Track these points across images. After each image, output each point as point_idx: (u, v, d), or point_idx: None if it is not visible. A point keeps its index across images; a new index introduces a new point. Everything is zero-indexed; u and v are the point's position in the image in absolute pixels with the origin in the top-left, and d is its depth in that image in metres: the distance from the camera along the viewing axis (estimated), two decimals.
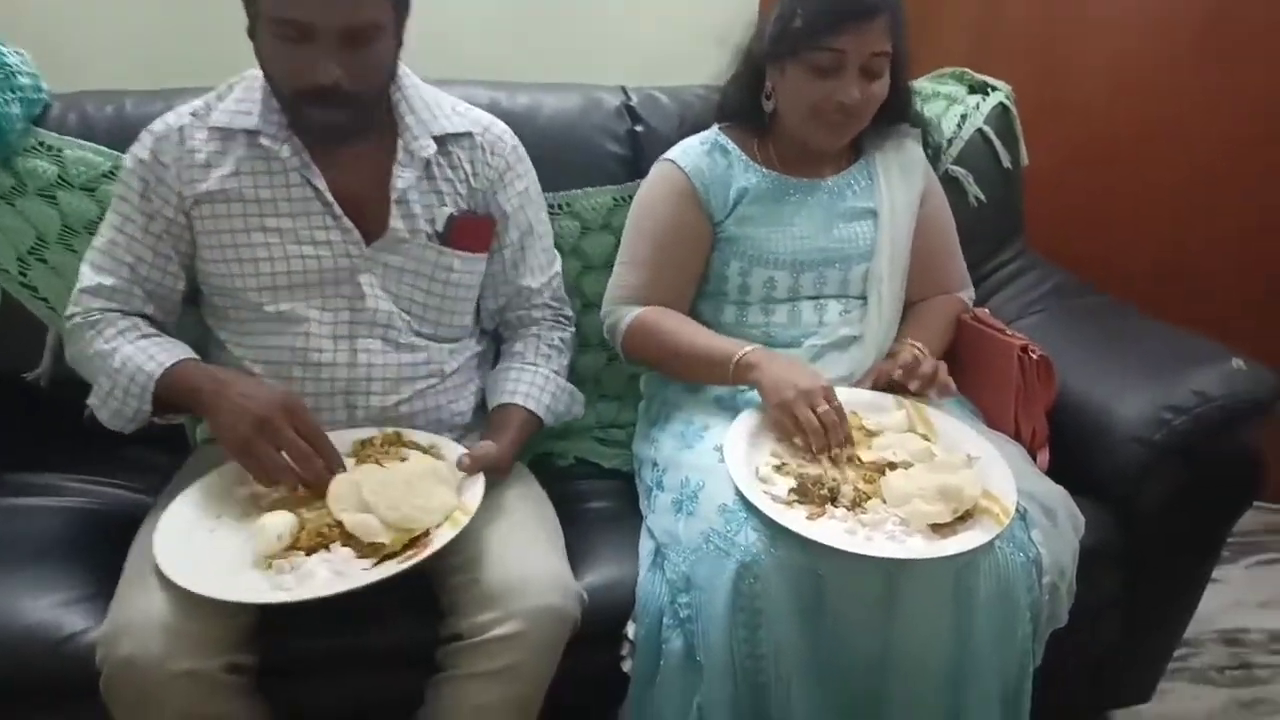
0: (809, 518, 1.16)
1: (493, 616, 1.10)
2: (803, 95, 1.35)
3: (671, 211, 1.43)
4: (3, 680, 1.13)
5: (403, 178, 1.29)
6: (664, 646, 1.19)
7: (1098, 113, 2.02)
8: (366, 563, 1.08)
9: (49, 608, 1.15)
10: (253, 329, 1.29)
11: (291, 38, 1.15)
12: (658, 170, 1.47)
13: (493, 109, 1.45)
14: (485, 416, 1.38)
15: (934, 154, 1.61)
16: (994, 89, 1.78)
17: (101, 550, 1.24)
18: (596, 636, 1.22)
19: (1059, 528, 1.24)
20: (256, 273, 1.27)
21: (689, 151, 1.46)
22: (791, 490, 1.20)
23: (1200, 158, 1.99)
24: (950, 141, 1.72)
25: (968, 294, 1.57)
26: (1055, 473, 1.33)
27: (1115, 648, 1.42)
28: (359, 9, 1.15)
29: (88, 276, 1.27)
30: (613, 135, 1.66)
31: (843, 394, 1.29)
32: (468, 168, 1.34)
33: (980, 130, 1.75)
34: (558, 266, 1.46)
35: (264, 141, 1.25)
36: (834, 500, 1.18)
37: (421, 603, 1.19)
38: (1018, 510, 1.19)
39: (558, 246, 1.51)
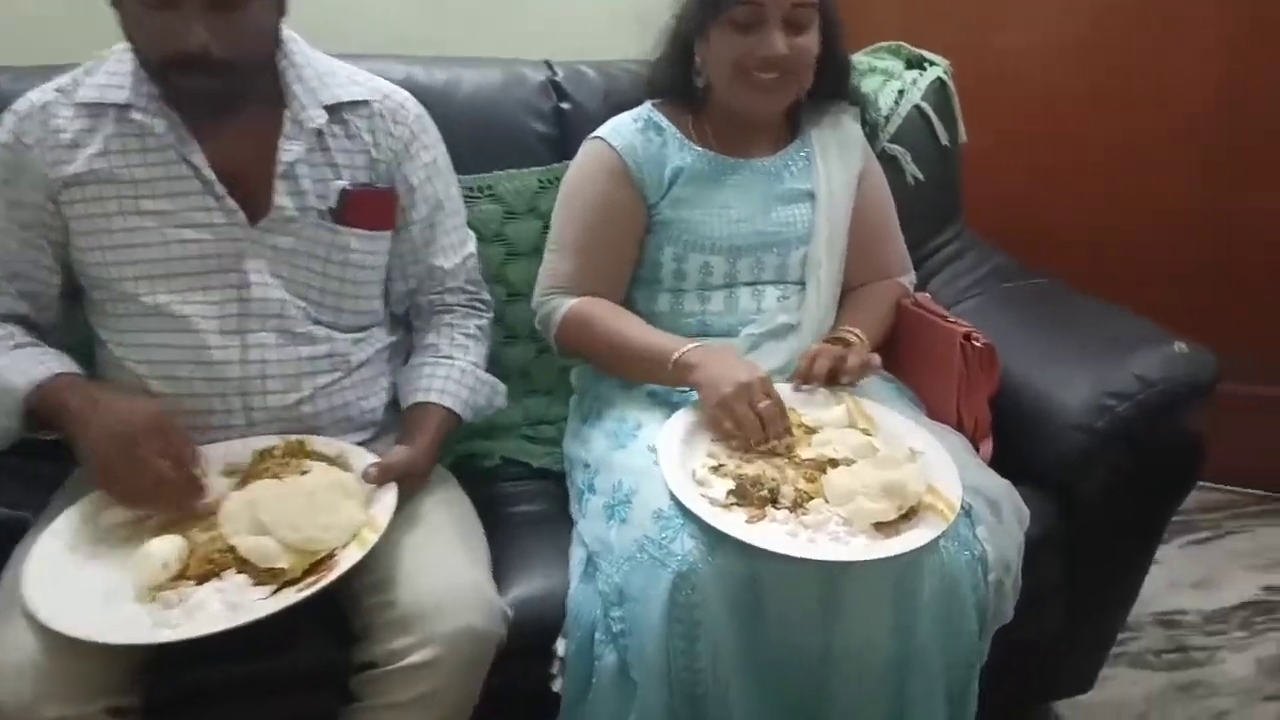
0: (749, 521, 1.10)
1: (408, 642, 1.02)
2: (726, 55, 1.30)
3: (603, 193, 1.35)
4: None
5: (289, 150, 1.18)
6: (596, 663, 1.12)
7: (1033, 89, 1.99)
8: (264, 591, 0.98)
9: None
10: (133, 325, 1.18)
11: (152, 3, 1.04)
12: (587, 149, 1.39)
13: (408, 85, 1.34)
14: (400, 415, 1.28)
15: (871, 131, 1.56)
16: (931, 64, 1.73)
17: None
18: (524, 653, 1.15)
19: (1004, 522, 1.20)
20: (132, 260, 1.15)
21: (620, 129, 1.37)
22: (730, 492, 1.13)
23: (1139, 134, 1.97)
24: (887, 118, 1.67)
25: (908, 279, 1.52)
26: (995, 460, 1.30)
27: (1057, 638, 1.39)
28: None
29: None
30: (537, 113, 1.57)
31: (780, 390, 1.23)
32: (367, 138, 1.24)
33: (918, 107, 1.70)
34: (472, 247, 1.37)
35: (136, 116, 1.14)
36: (774, 501, 1.13)
37: (333, 625, 1.10)
38: (963, 507, 1.14)
39: (479, 233, 1.42)
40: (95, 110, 1.14)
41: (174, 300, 1.16)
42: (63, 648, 0.93)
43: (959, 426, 1.34)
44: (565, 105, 1.58)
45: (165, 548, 0.99)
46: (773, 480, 1.14)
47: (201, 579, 0.99)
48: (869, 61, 1.74)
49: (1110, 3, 1.91)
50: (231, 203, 1.17)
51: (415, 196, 1.28)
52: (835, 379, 1.29)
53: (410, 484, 1.17)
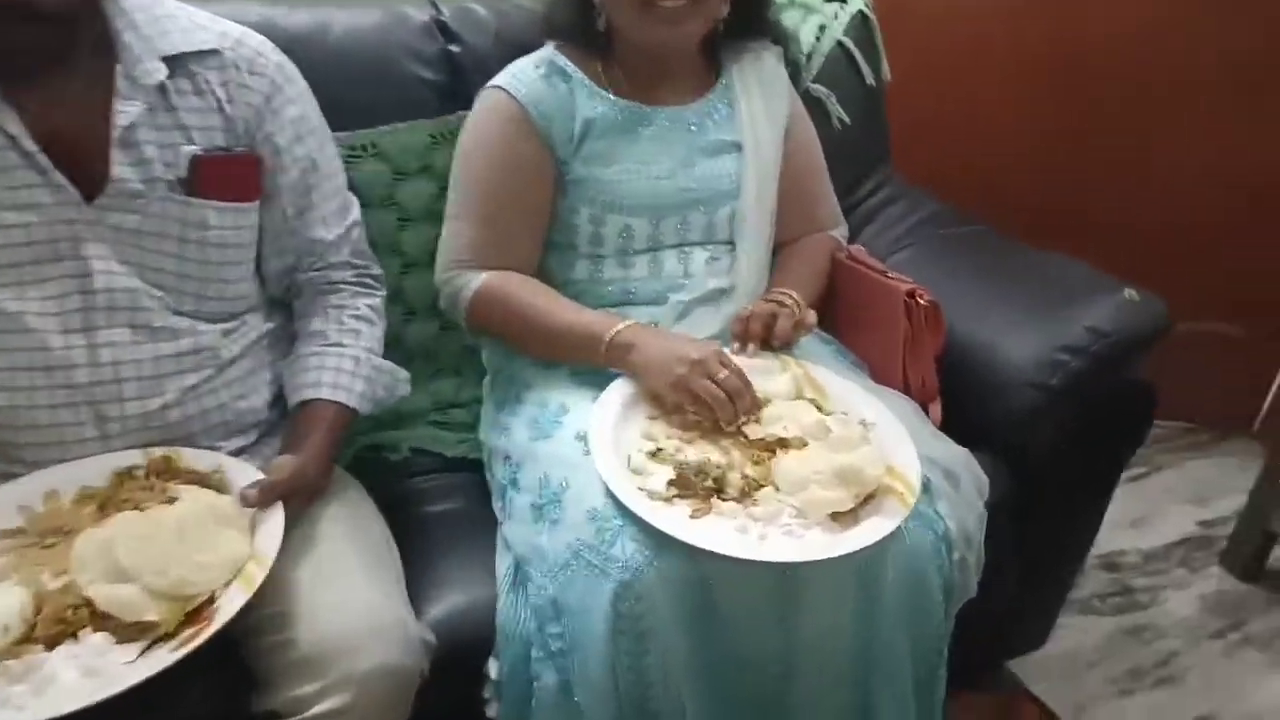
0: (693, 515, 0.99)
1: (314, 689, 0.88)
2: None
3: (507, 151, 1.20)
4: None
5: (125, 112, 1.00)
6: (534, 684, 1.01)
7: (958, 19, 1.87)
8: (131, 650, 0.82)
9: None
10: None
11: None
12: (486, 101, 1.23)
13: (267, 30, 1.15)
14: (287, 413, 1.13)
15: (793, 71, 1.43)
16: None
17: None
18: (452, 677, 1.02)
19: (963, 493, 1.11)
20: None
21: (522, 76, 1.21)
22: (670, 483, 1.02)
23: (1071, 65, 1.87)
24: (809, 56, 1.54)
25: (841, 231, 1.41)
26: (942, 423, 1.22)
27: (1011, 600, 1.33)
28: None
29: None
30: (421, 58, 1.38)
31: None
32: (219, 93, 1.06)
33: (840, 43, 1.57)
34: (356, 214, 1.20)
35: None
36: (720, 491, 1.02)
37: (227, 666, 0.94)
38: (921, 481, 1.05)
39: (365, 198, 1.26)
40: None
41: (2, 297, 0.97)
42: None
43: (905, 389, 1.25)
44: (454, 48, 1.40)
45: (4, 605, 0.82)
46: (717, 468, 1.03)
47: (52, 642, 0.82)
48: None
49: None
50: (59, 178, 0.98)
51: (283, 159, 1.11)
52: (769, 344, 1.18)
53: (301, 500, 1.02)
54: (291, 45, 1.14)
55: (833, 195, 1.40)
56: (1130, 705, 1.50)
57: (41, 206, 0.98)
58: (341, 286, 1.18)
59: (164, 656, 0.82)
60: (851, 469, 1.00)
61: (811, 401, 1.14)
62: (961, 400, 1.25)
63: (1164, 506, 1.91)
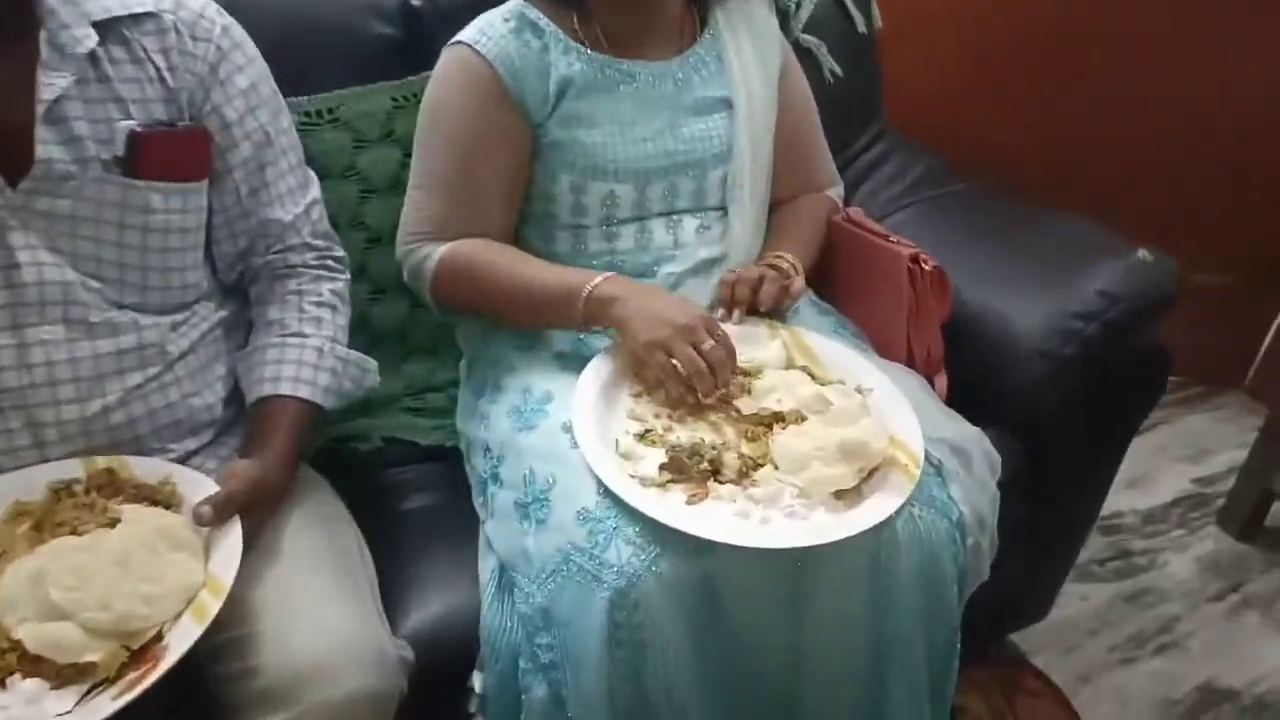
0: (689, 502, 0.92)
1: None
2: None
3: (474, 114, 1.10)
4: None
5: (52, 85, 0.90)
6: (524, 698, 0.93)
7: None
8: (68, 697, 0.74)
9: None
10: None
11: None
12: (451, 59, 1.12)
13: None
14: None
15: (781, 20, 1.34)
16: None
17: None
18: (434, 692, 0.95)
19: (974, 473, 1.05)
20: None
21: (489, 32, 1.11)
22: (662, 466, 0.95)
23: (1076, 12, 1.78)
24: (798, 4, 1.44)
25: (836, 191, 1.33)
26: (947, 396, 1.15)
27: (1018, 574, 1.28)
28: None
29: None
30: (380, 12, 1.27)
31: None
32: (158, 61, 0.96)
33: None
34: (316, 191, 1.11)
35: None
36: (716, 473, 0.95)
37: (185, 696, 0.85)
38: (930, 462, 0.99)
39: (324, 169, 1.19)
40: None
41: None
42: None
43: (909, 361, 1.17)
44: (415, 1, 1.29)
45: None
46: (712, 448, 0.96)
47: None
48: None
49: None
50: None
51: (232, 133, 1.01)
52: (754, 310, 1.11)
53: (263, 510, 0.93)
54: (237, 5, 1.04)
55: (827, 151, 1.32)
56: (1132, 674, 1.48)
57: None
58: (301, 270, 1.09)
59: (104, 704, 0.73)
60: (855, 444, 0.94)
61: (804, 370, 1.07)
62: (967, 371, 1.19)
63: (1160, 464, 1.88)
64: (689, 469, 0.95)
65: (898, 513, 0.93)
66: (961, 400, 1.14)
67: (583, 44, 1.13)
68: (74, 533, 0.83)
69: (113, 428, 0.95)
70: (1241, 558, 1.68)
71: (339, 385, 1.05)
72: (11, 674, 0.75)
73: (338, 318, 1.09)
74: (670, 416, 1.01)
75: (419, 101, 1.16)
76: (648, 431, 1.00)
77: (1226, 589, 1.62)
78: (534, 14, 1.12)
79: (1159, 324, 1.22)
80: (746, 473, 0.95)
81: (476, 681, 0.96)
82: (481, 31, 1.11)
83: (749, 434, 0.99)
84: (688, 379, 0.98)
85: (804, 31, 1.43)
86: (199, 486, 0.90)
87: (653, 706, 0.90)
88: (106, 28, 0.93)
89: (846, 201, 1.37)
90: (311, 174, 1.12)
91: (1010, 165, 1.54)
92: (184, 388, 1.00)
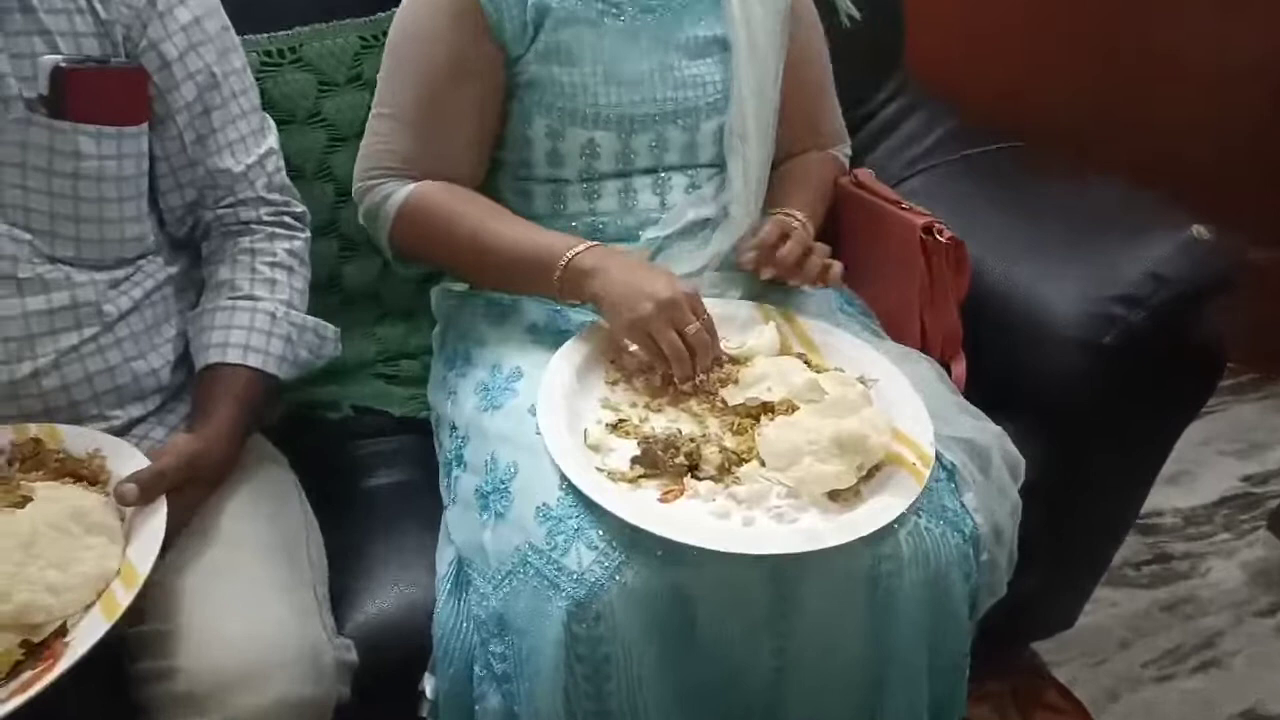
0: (662, 500, 0.83)
1: None
2: None
3: (449, 38, 1.00)
4: None
5: None
6: (477, 707, 0.85)
7: None
8: None
9: None
10: None
11: None
12: None
13: None
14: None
15: None
16: None
17: None
18: (382, 694, 0.87)
19: (993, 478, 0.93)
20: None
21: None
22: (634, 460, 0.85)
23: None
24: None
25: (843, 150, 1.20)
26: (966, 386, 1.03)
27: (1041, 585, 1.16)
28: None
29: None
30: None
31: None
32: None
33: None
34: (272, 141, 1.03)
35: None
36: (695, 468, 0.85)
37: (103, 685, 0.78)
38: (943, 465, 0.89)
39: (286, 115, 1.12)
40: None
41: None
42: None
43: (922, 344, 1.06)
44: None
45: None
46: (691, 441, 0.86)
47: None
48: None
49: None
50: None
51: (173, 73, 0.94)
52: (791, 274, 0.98)
53: (200, 488, 0.86)
54: None
55: (837, 106, 1.19)
56: (1166, 693, 1.36)
57: None
58: (255, 227, 1.01)
59: None
60: (853, 436, 0.84)
61: (800, 357, 0.96)
62: (989, 358, 1.06)
63: (1205, 459, 1.73)
64: (663, 463, 0.85)
65: (901, 520, 0.83)
66: (981, 390, 1.02)
67: None
68: None
69: (46, 392, 0.88)
70: None
71: (294, 354, 0.97)
72: None
73: (294, 280, 1.01)
74: (648, 406, 0.92)
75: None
76: (621, 421, 0.90)
77: (1277, 602, 1.49)
78: None
79: (1214, 312, 1.08)
80: (728, 468, 0.86)
81: (428, 685, 0.88)
82: None
83: (734, 426, 0.89)
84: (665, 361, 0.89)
85: None
86: (130, 461, 0.83)
87: None
88: None
89: (859, 163, 1.25)
90: (269, 121, 1.04)
91: (1048, 127, 1.38)
92: (126, 350, 0.93)
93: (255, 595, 0.81)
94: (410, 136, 1.00)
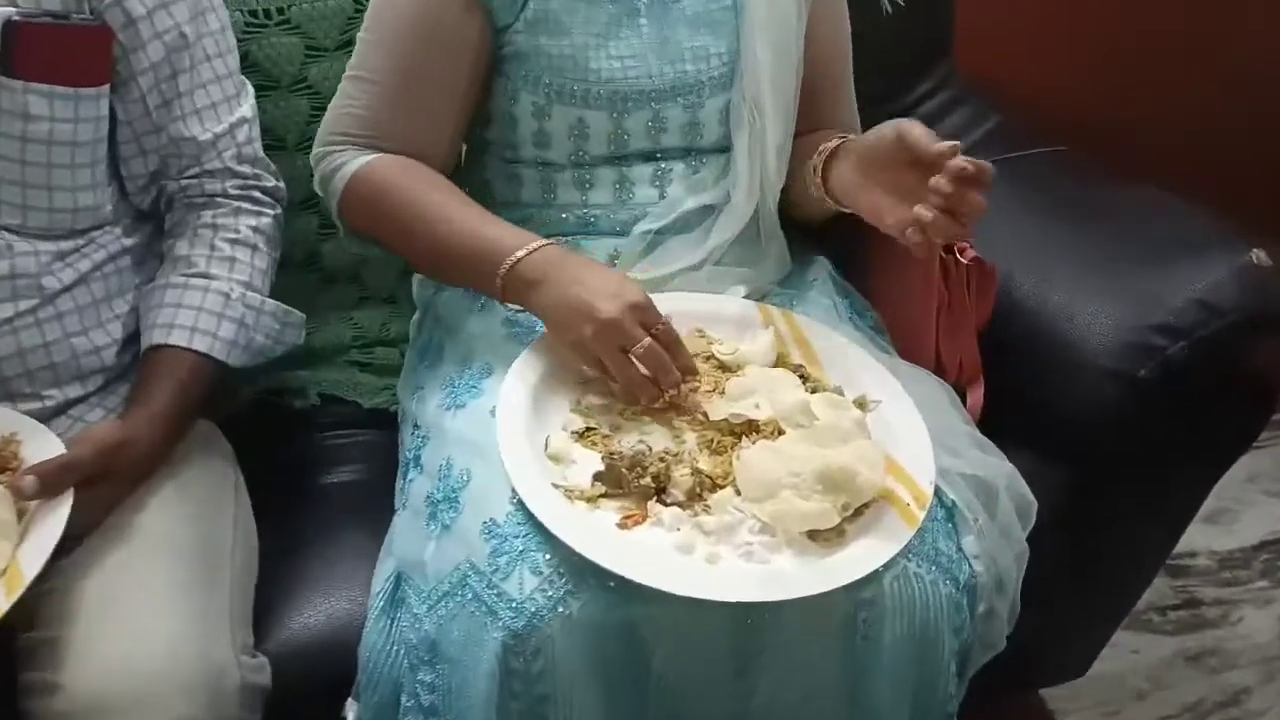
0: (621, 524, 0.75)
1: None
2: None
3: (432, 4, 0.91)
4: None
5: None
6: None
7: None
8: None
9: None
10: None
11: None
12: None
13: None
14: None
15: None
16: None
17: None
18: (301, 715, 0.81)
19: (999, 520, 0.84)
20: None
21: None
22: (596, 477, 0.78)
23: None
24: None
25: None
26: (984, 415, 0.94)
27: (1056, 627, 1.07)
28: None
29: None
30: None
31: (684, 301, 0.89)
32: None
33: None
34: (247, 109, 0.96)
35: None
36: (661, 491, 0.77)
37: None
38: (943, 503, 0.80)
39: (269, 78, 1.06)
40: None
41: None
42: None
43: (938, 369, 0.96)
44: None
45: None
46: (661, 460, 0.78)
47: None
48: None
49: None
50: None
51: (139, 32, 0.87)
52: (958, 204, 0.79)
53: (122, 483, 0.80)
54: None
55: (853, 91, 1.06)
56: None
57: None
58: (220, 201, 0.95)
59: None
60: (841, 472, 0.75)
61: (798, 370, 0.87)
62: (1011, 381, 0.96)
63: (1246, 498, 1.60)
64: (628, 483, 0.77)
65: (887, 566, 0.74)
66: (998, 417, 0.93)
67: None
68: None
69: None
70: None
71: (248, 339, 0.91)
72: None
73: (257, 259, 0.94)
74: (622, 413, 0.83)
75: None
76: (589, 430, 0.82)
77: None
78: None
79: (1268, 347, 0.97)
80: (700, 494, 0.77)
81: (350, 713, 0.80)
82: None
83: (713, 443, 0.81)
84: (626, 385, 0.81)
85: None
86: (47, 449, 0.77)
87: None
88: None
89: None
90: (246, 87, 0.97)
91: (1095, 131, 1.27)
92: (67, 326, 0.87)
93: (157, 606, 0.74)
94: (381, 103, 0.92)
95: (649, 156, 0.96)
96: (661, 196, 0.96)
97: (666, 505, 0.77)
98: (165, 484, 0.83)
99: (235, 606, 0.79)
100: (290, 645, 0.83)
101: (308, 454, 1.04)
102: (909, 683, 0.78)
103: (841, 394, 0.85)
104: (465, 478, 0.80)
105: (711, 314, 0.91)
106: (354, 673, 0.80)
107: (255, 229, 0.94)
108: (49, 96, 0.82)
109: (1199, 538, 1.52)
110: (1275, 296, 0.94)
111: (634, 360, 0.79)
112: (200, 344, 0.87)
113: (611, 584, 0.71)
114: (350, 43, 1.06)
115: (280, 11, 1.06)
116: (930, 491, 0.77)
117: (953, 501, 0.80)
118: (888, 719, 0.78)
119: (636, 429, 0.82)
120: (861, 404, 0.84)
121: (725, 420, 0.82)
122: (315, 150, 0.96)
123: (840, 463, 0.75)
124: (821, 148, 0.94)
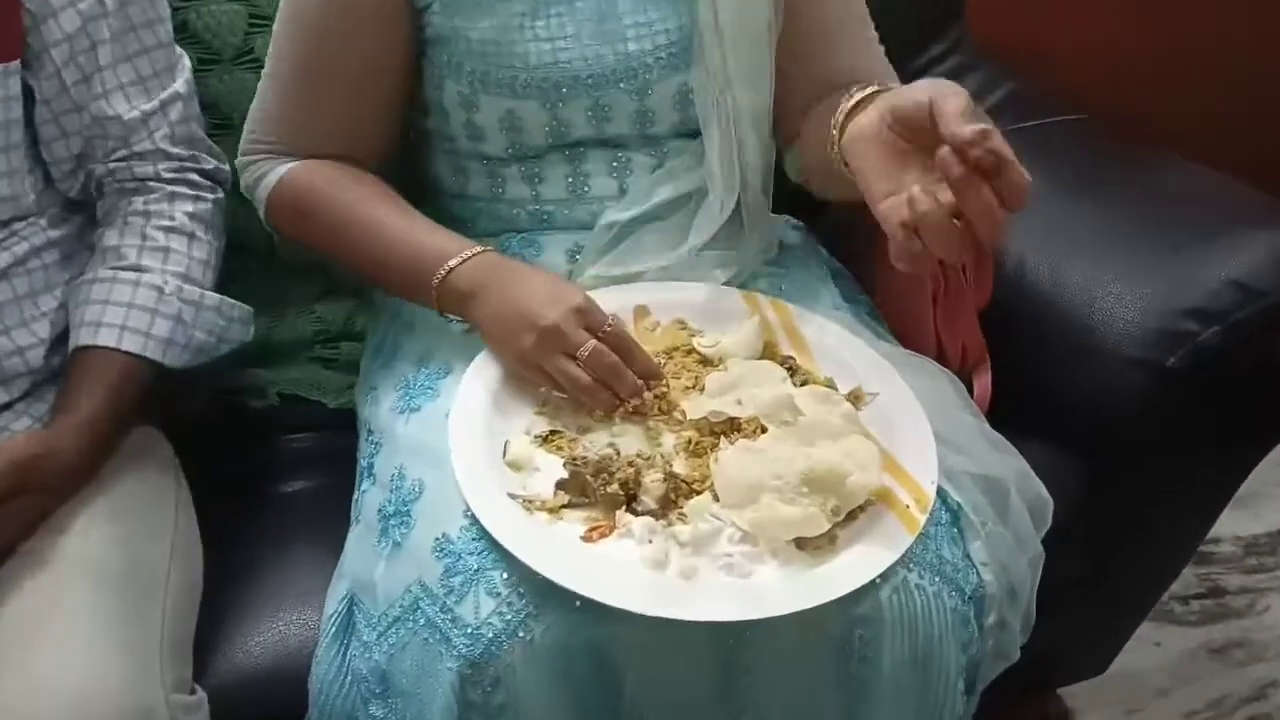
0: (586, 537, 0.69)
1: None
2: None
3: None
4: None
5: None
6: None
7: None
8: None
9: None
10: None
11: None
12: None
13: None
14: None
15: None
16: None
17: None
18: None
19: (1011, 523, 0.76)
20: None
21: None
22: (560, 485, 0.71)
23: None
24: None
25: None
26: (991, 406, 0.86)
27: (1076, 628, 1.00)
28: None
29: None
30: None
31: (664, 290, 0.83)
32: None
33: None
34: (181, 84, 0.89)
35: None
36: (632, 500, 0.71)
37: None
38: (947, 506, 0.73)
39: (213, 51, 0.98)
40: None
41: None
42: None
43: (940, 357, 0.87)
44: None
45: None
46: (630, 465, 0.71)
47: None
48: None
49: None
50: None
51: (49, 1, 0.80)
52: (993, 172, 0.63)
53: (46, 498, 0.73)
54: None
55: (873, 38, 0.91)
56: None
57: None
58: (153, 185, 0.87)
59: None
60: (828, 472, 0.69)
61: (786, 362, 0.80)
62: (1024, 371, 0.88)
63: (1274, 480, 1.51)
64: (593, 491, 0.70)
65: (884, 577, 0.67)
66: (1011, 409, 0.84)
67: None
68: None
69: None
70: None
71: (186, 337, 0.83)
72: None
73: (195, 249, 0.87)
74: (592, 414, 0.76)
75: None
76: (554, 434, 0.75)
77: None
78: None
79: None
80: (674, 501, 0.70)
81: None
82: None
83: (691, 445, 0.74)
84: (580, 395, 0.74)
85: None
86: None
87: None
88: None
89: None
90: (182, 60, 0.90)
91: (1118, 99, 1.19)
92: None
93: (78, 638, 0.67)
94: (293, 103, 0.85)
95: (603, 144, 0.87)
96: (622, 190, 0.87)
97: (637, 515, 0.70)
98: (95, 500, 0.76)
99: (169, 639, 0.72)
100: (234, 676, 0.76)
101: (265, 459, 0.98)
102: (912, 706, 0.71)
103: (834, 386, 0.78)
104: (418, 489, 0.73)
105: (693, 303, 0.84)
106: (304, 707, 0.74)
107: (192, 215, 0.86)
108: None
109: (1223, 523, 1.40)
110: None
111: (582, 366, 0.72)
112: (131, 344, 0.79)
113: (577, 604, 0.64)
114: None
115: None
116: (933, 492, 0.70)
117: (958, 503, 0.73)
118: None
119: (607, 431, 0.75)
120: (856, 397, 0.77)
121: (704, 419, 0.74)
122: (238, 159, 0.88)
123: (828, 462, 0.69)
124: (841, 105, 0.77)
